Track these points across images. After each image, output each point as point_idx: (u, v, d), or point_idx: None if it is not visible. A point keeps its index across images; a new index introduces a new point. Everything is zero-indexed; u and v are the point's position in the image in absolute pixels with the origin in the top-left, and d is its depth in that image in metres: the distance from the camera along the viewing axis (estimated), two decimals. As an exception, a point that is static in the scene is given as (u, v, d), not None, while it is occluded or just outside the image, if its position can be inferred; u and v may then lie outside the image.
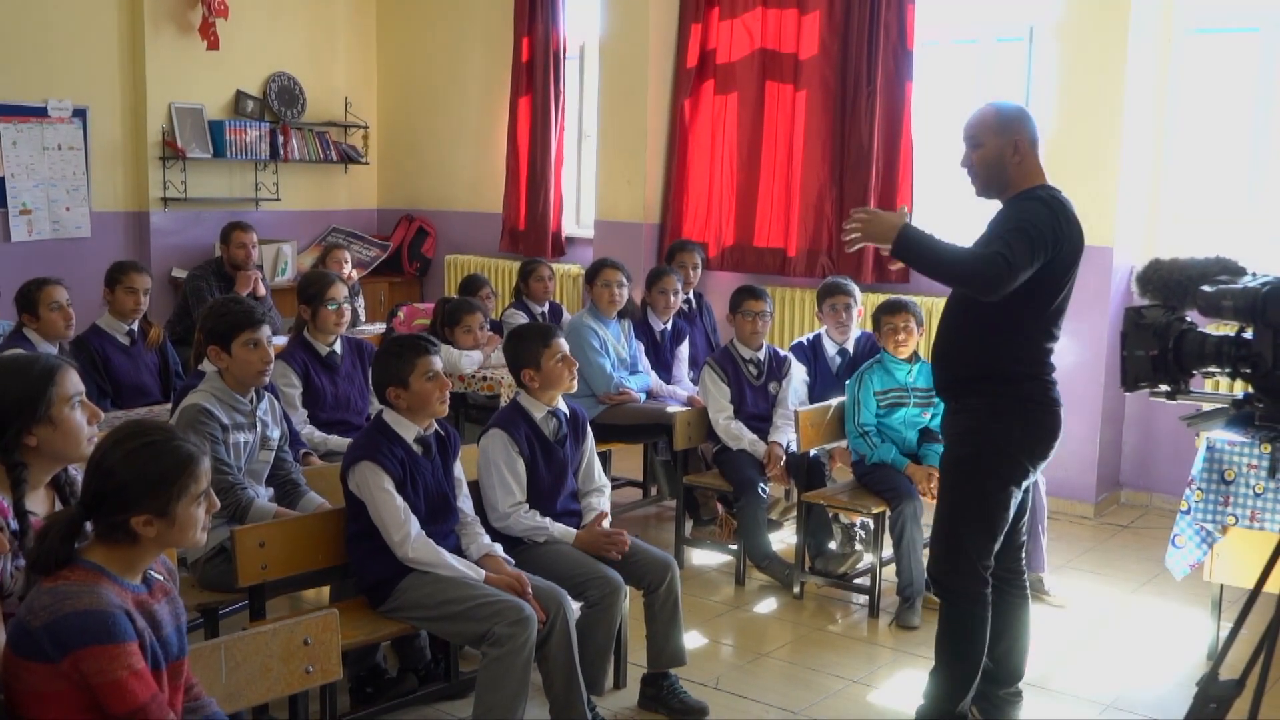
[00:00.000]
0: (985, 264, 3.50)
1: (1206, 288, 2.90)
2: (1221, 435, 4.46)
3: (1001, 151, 3.73)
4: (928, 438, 5.36)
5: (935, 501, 5.14)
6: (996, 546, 3.78)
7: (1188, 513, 4.59)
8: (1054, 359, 6.63)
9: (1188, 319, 2.98)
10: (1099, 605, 5.39)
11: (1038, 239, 3.54)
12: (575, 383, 4.33)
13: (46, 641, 2.32)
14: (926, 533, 5.29)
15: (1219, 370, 2.87)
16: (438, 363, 3.94)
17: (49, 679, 2.34)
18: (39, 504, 2.80)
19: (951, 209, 7.63)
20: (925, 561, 5.18)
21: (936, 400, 5.37)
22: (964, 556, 3.75)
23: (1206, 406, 3.22)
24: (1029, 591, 4.04)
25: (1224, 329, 2.99)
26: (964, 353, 3.79)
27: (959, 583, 3.78)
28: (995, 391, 3.72)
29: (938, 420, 5.39)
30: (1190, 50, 6.80)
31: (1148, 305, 3.06)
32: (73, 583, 2.39)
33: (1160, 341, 2.89)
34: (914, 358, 5.38)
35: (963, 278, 3.62)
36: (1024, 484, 3.79)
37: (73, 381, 2.84)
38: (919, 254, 3.60)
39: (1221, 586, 4.77)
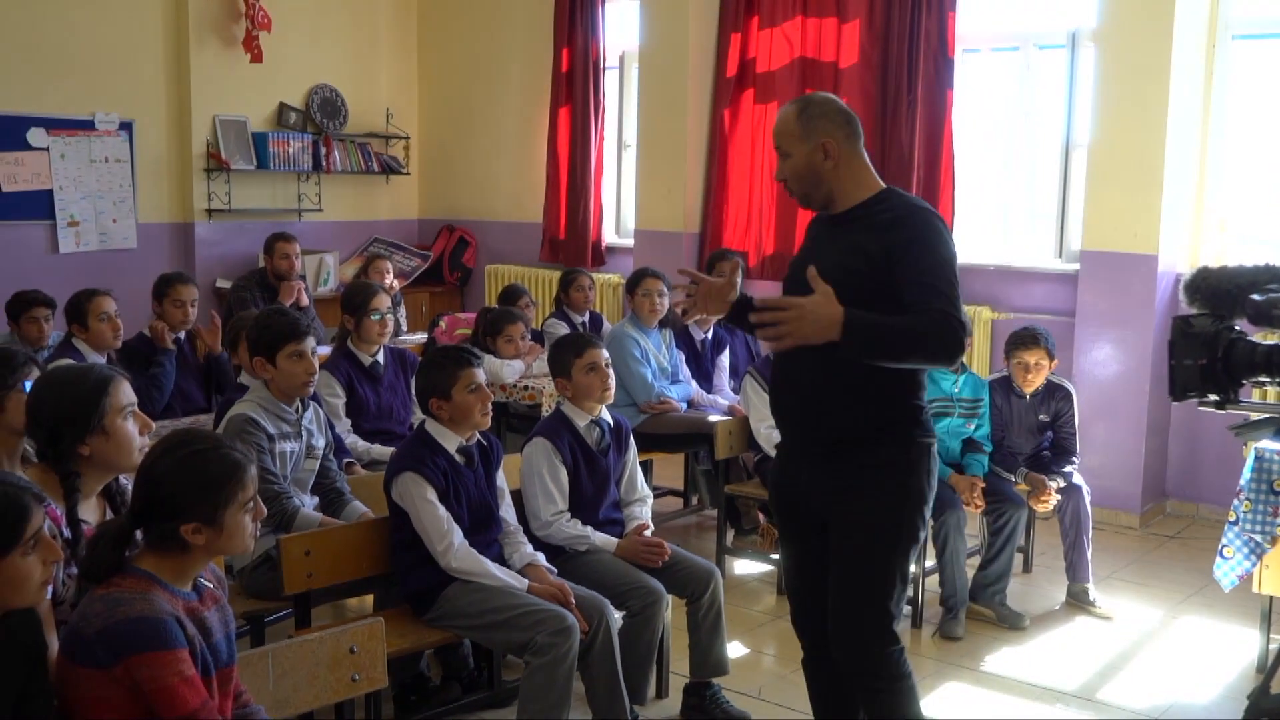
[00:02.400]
0: (944, 333, 2.96)
1: (1256, 296, 2.87)
2: (1270, 445, 4.40)
3: (810, 159, 3.18)
4: (971, 447, 5.33)
5: (977, 512, 5.18)
6: None
7: (1236, 523, 4.54)
8: (1098, 368, 6.68)
9: (1237, 328, 2.95)
10: (1145, 617, 5.33)
11: (955, 272, 3.05)
12: (610, 394, 4.33)
13: (99, 648, 2.35)
14: (970, 543, 5.29)
15: (1270, 380, 2.84)
16: (481, 375, 3.95)
17: (102, 685, 2.36)
18: (91, 513, 2.84)
19: (993, 217, 7.61)
20: (969, 572, 5.18)
21: (982, 411, 5.35)
22: (889, 635, 3.21)
23: (1255, 416, 3.20)
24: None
25: (1274, 338, 2.97)
26: (864, 397, 3.13)
27: (889, 665, 3.22)
28: (906, 440, 3.17)
29: (982, 430, 5.37)
30: (1235, 55, 6.74)
31: (1196, 314, 3.03)
32: (125, 590, 2.42)
33: (1209, 351, 2.87)
34: (961, 368, 5.35)
35: (925, 355, 3.04)
36: None
37: (125, 392, 2.88)
38: (872, 342, 2.97)
39: (1271, 598, 4.71)
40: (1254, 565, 4.57)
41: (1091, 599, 5.35)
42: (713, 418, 5.93)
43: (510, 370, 6.15)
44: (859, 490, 3.17)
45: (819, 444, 3.23)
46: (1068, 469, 5.42)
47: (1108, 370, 6.74)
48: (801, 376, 3.21)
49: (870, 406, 3.14)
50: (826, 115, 3.18)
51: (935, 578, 5.18)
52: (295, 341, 4.13)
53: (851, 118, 3.22)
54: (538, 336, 6.74)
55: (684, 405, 6.18)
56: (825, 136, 3.16)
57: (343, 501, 4.29)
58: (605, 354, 4.34)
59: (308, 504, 4.19)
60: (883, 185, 3.22)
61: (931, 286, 2.99)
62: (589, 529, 4.20)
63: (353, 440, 5.13)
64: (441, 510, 3.80)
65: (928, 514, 3.27)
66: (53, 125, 8.04)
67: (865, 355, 3.00)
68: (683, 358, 6.40)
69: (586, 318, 7.22)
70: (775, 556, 5.64)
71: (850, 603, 3.21)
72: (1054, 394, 5.50)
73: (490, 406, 3.98)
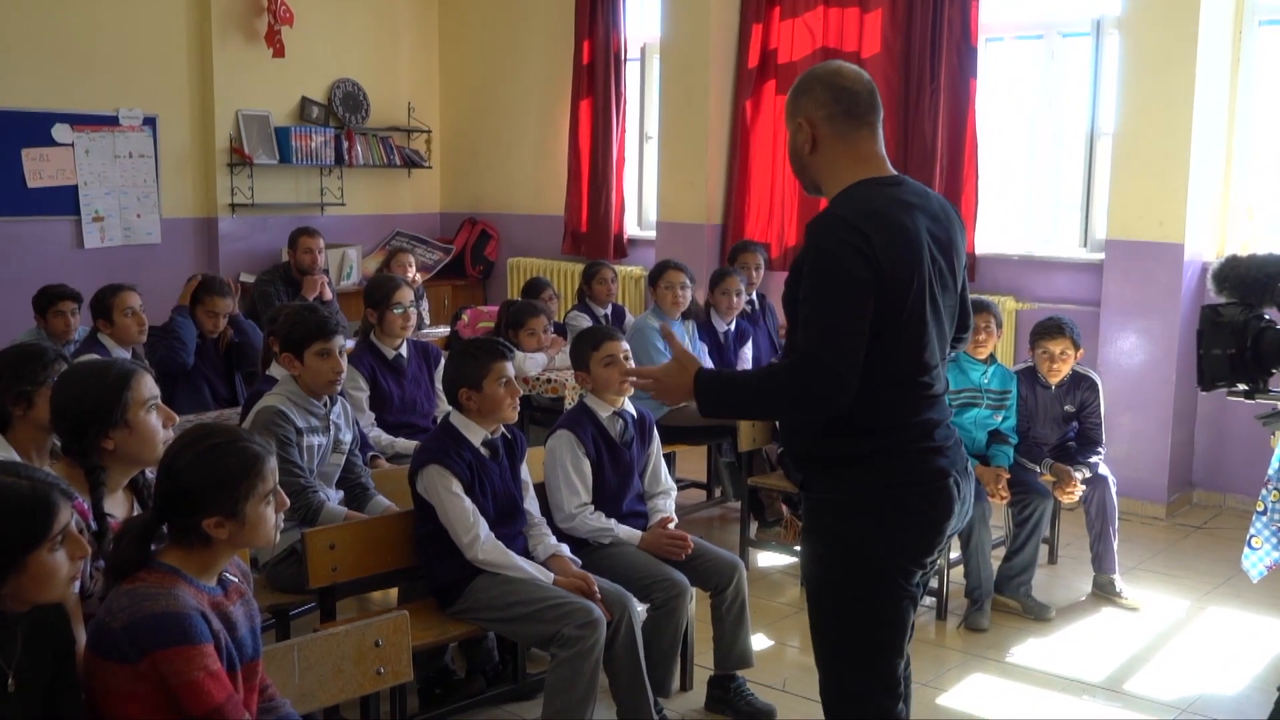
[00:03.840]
0: (806, 380, 2.58)
1: (1286, 285, 2.85)
2: (1299, 434, 4.36)
3: (794, 139, 2.82)
4: (997, 439, 5.31)
5: (1002, 504, 5.16)
6: (902, 663, 2.86)
7: (1264, 513, 4.49)
8: (1124, 358, 6.63)
9: (1267, 317, 2.93)
10: (1172, 608, 5.30)
11: (848, 295, 2.57)
12: (629, 385, 4.30)
13: (125, 642, 2.37)
14: (995, 534, 5.27)
15: (1300, 369, 2.82)
16: (511, 369, 3.95)
17: (128, 679, 2.38)
18: (117, 506, 2.86)
19: (1018, 206, 7.57)
20: (994, 563, 5.16)
21: (1009, 403, 5.33)
22: (859, 703, 2.84)
23: (1283, 405, 3.17)
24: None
25: (1304, 326, 2.94)
26: (789, 431, 2.91)
27: None
28: (842, 476, 2.75)
29: (1008, 422, 5.34)
30: (1262, 41, 6.67)
31: (1225, 303, 3.01)
32: (150, 585, 2.43)
33: (1238, 340, 2.84)
34: (990, 359, 5.32)
35: (786, 410, 2.77)
36: (916, 580, 2.81)
37: (148, 385, 2.90)
38: (728, 401, 2.80)
39: (1300, 589, 4.68)
40: (1283, 556, 4.54)
41: (1118, 590, 5.32)
42: (736, 410, 5.92)
43: (533, 363, 6.15)
44: (805, 528, 2.90)
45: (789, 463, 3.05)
46: (1093, 459, 5.39)
47: (1133, 360, 6.70)
48: None
49: (820, 434, 2.76)
50: (810, 91, 2.77)
51: (960, 569, 5.16)
52: (323, 340, 4.13)
53: (844, 93, 2.75)
54: (560, 329, 6.74)
55: (707, 397, 6.16)
56: (803, 115, 2.78)
57: (367, 497, 4.30)
58: (625, 346, 4.33)
59: (333, 498, 4.20)
60: (858, 178, 2.74)
61: (806, 320, 2.62)
62: (613, 521, 4.19)
63: (376, 433, 5.14)
64: (467, 502, 3.80)
65: (904, 565, 2.77)
66: (77, 121, 8.07)
67: (720, 413, 2.84)
68: (705, 350, 6.39)
69: (609, 310, 7.21)
70: (799, 548, 5.62)
71: (816, 657, 2.94)
72: (1079, 384, 5.47)
73: (518, 401, 3.98)
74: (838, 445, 2.74)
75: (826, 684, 2.90)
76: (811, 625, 2.93)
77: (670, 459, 5.96)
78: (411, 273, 7.72)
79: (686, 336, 6.28)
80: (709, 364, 6.33)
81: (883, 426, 2.71)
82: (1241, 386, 2.90)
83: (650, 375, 2.91)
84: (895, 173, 2.82)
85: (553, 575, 3.84)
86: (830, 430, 2.72)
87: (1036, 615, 5.11)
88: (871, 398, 2.62)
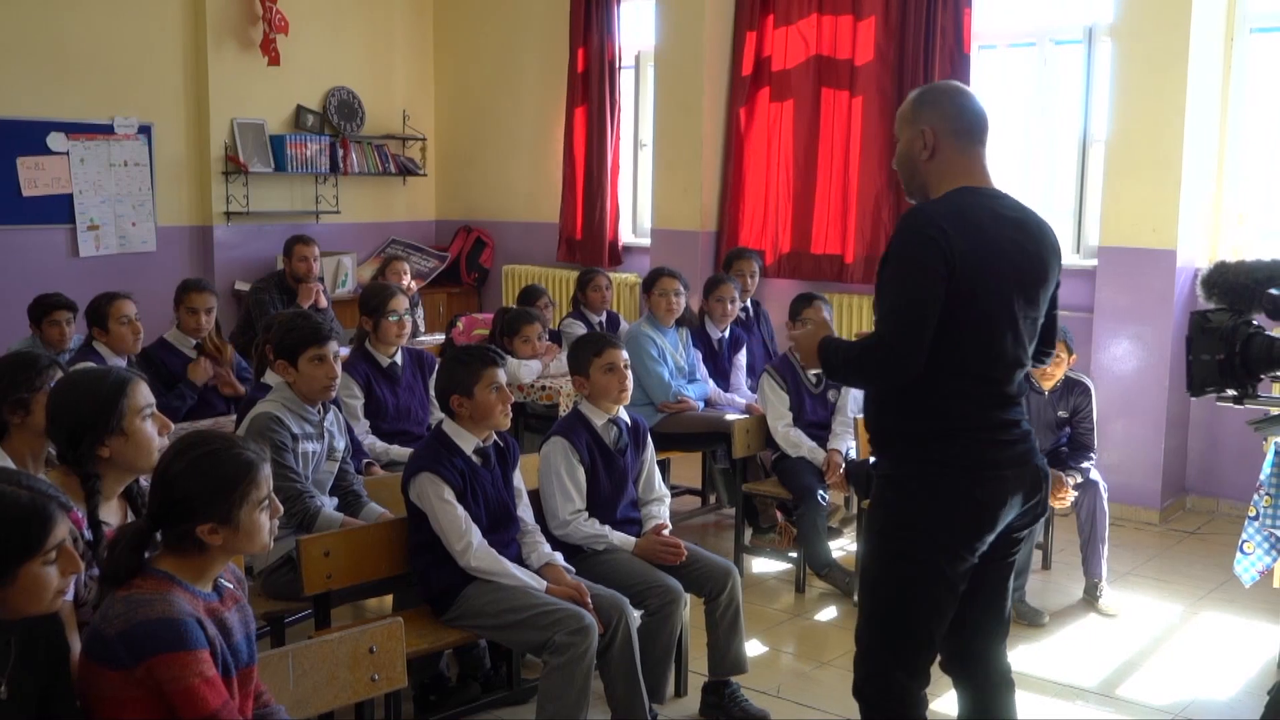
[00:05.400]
0: (871, 357, 2.91)
1: (1274, 290, 2.87)
2: (1290, 439, 4.38)
3: (911, 145, 3.04)
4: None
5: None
6: (931, 655, 3.05)
7: (1256, 518, 4.52)
8: (1117, 364, 6.64)
9: (1255, 322, 2.94)
10: (1165, 613, 5.31)
11: (916, 282, 2.82)
12: (627, 395, 4.33)
13: (121, 648, 2.37)
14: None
15: (1287, 374, 2.83)
16: (503, 376, 3.96)
17: (123, 685, 2.38)
18: (112, 515, 2.86)
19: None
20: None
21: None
22: (883, 669, 3.02)
23: (1274, 410, 3.19)
24: (1008, 674, 3.29)
25: (1292, 332, 2.95)
26: (869, 407, 3.15)
27: (875, 695, 3.06)
28: (901, 455, 3.00)
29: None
30: (1253, 49, 6.71)
31: (1213, 309, 3.02)
32: (145, 591, 2.44)
33: (1227, 346, 2.86)
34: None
35: (864, 379, 3.18)
36: (963, 567, 2.96)
37: (143, 393, 2.91)
38: (832, 367, 3.07)
39: (1292, 593, 4.70)
40: (1275, 560, 4.56)
41: (1098, 595, 5.32)
42: (730, 416, 5.94)
43: (527, 370, 6.17)
44: (871, 501, 3.17)
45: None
46: (1085, 465, 5.40)
47: (1126, 366, 6.72)
48: None
49: (890, 412, 3.02)
50: (938, 104, 3.03)
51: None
52: (316, 346, 4.15)
53: (967, 112, 3.03)
54: (555, 336, 6.76)
55: (701, 404, 6.18)
56: (927, 124, 3.00)
57: (360, 504, 4.31)
58: (625, 355, 4.34)
59: (328, 505, 4.21)
60: (956, 186, 2.97)
61: (879, 303, 2.94)
62: (607, 528, 4.21)
63: (371, 441, 5.15)
64: (460, 510, 3.81)
65: (949, 544, 2.92)
66: (72, 129, 8.09)
67: (838, 380, 3.42)
68: (699, 356, 6.41)
69: (604, 317, 7.23)
70: (793, 555, 5.64)
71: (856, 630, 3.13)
72: (1072, 390, 5.48)
73: (510, 408, 3.99)
74: (906, 425, 2.98)
75: (859, 659, 3.08)
76: (859, 600, 3.16)
77: (665, 466, 5.97)
78: (406, 280, 7.75)
79: (680, 344, 6.30)
80: (704, 372, 6.36)
81: (948, 412, 2.92)
82: (1231, 392, 2.91)
83: (794, 337, 3.30)
84: (998, 189, 3.06)
85: (545, 582, 3.85)
86: (903, 411, 2.97)
87: (1030, 620, 5.12)
88: (939, 385, 2.88)
